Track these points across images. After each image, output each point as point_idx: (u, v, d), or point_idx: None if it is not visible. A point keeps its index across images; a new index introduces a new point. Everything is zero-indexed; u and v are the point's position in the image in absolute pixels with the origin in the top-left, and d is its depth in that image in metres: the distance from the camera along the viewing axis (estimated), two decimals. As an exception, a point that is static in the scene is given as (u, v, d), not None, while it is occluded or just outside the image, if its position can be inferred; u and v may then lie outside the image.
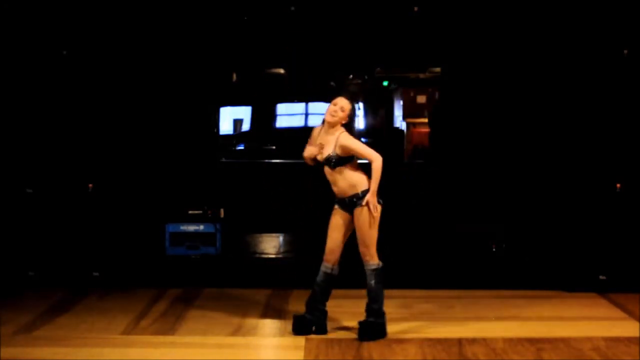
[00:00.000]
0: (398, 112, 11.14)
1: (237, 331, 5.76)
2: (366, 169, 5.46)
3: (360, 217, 5.39)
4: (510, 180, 7.50)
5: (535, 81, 7.38)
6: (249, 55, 8.43)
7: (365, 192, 5.37)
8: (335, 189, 5.49)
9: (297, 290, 6.75)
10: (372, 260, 5.45)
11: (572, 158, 7.26)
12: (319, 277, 5.56)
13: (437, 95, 9.76)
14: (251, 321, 6.03)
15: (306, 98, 11.06)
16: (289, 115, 11.32)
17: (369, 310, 5.49)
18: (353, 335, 5.57)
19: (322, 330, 5.58)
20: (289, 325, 5.88)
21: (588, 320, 6.15)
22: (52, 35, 7.26)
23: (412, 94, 10.62)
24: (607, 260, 7.04)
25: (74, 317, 6.13)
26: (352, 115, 5.49)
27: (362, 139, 6.16)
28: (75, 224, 7.28)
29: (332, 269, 5.52)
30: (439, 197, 7.71)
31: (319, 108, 10.82)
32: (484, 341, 5.47)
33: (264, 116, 11.23)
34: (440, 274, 7.12)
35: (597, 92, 7.18)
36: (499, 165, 7.54)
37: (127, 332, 5.73)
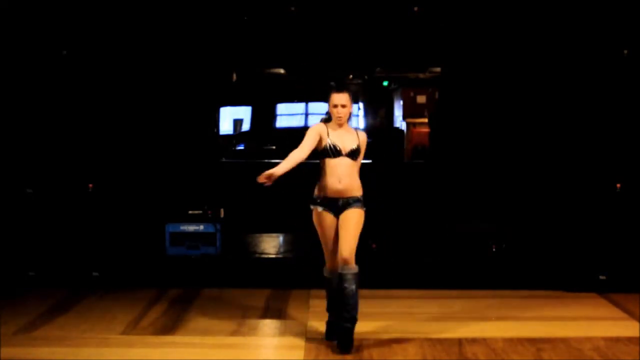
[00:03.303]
0: (398, 112, 11.17)
1: (237, 331, 5.76)
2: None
3: (354, 216, 5.20)
4: (510, 180, 7.51)
5: (536, 81, 7.39)
6: (249, 55, 8.44)
7: (362, 197, 5.27)
8: (339, 185, 5.18)
9: (297, 290, 6.76)
10: (354, 263, 5.19)
11: (572, 158, 7.26)
12: (333, 283, 5.27)
13: (437, 95, 9.78)
14: (251, 321, 6.03)
15: (306, 98, 11.09)
16: (289, 115, 11.35)
17: (350, 318, 5.19)
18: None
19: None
20: (289, 325, 5.89)
21: (588, 320, 6.14)
22: (52, 35, 7.26)
23: (412, 94, 10.65)
24: (607, 260, 7.03)
25: (74, 317, 6.13)
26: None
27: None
28: (75, 224, 7.28)
29: (337, 270, 5.26)
30: (439, 197, 7.72)
31: (319, 108, 10.85)
32: (484, 341, 5.47)
33: (264, 116, 11.26)
34: (440, 274, 7.11)
35: (597, 92, 7.18)
36: (499, 165, 7.54)
37: (127, 332, 5.73)
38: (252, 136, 10.98)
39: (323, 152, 5.23)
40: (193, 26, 7.55)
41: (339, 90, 5.27)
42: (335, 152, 5.21)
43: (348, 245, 5.17)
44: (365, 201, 5.32)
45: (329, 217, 5.25)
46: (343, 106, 5.23)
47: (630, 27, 7.07)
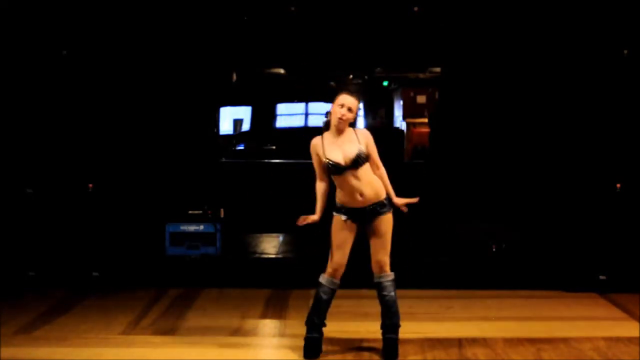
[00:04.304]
0: (398, 112, 11.19)
1: (237, 331, 5.76)
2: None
3: (384, 225, 4.96)
4: (510, 180, 7.51)
5: (536, 81, 7.39)
6: (249, 55, 8.45)
7: (388, 199, 4.99)
8: (361, 198, 4.88)
9: (297, 290, 6.75)
10: (389, 269, 5.05)
11: (573, 158, 7.26)
12: (327, 295, 5.05)
13: (437, 95, 9.79)
14: (251, 321, 6.03)
15: (306, 98, 11.09)
16: (289, 115, 11.35)
17: (392, 326, 5.06)
18: (353, 335, 5.57)
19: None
20: (289, 325, 5.89)
21: (588, 320, 6.14)
22: (52, 35, 7.26)
23: (412, 94, 10.67)
24: (607, 260, 7.03)
25: (74, 317, 6.13)
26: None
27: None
28: (75, 224, 7.28)
29: (338, 284, 5.10)
30: (439, 197, 7.72)
31: (319, 108, 10.86)
32: (484, 341, 5.47)
33: (264, 116, 11.26)
34: (440, 274, 7.11)
35: (597, 92, 7.18)
36: (499, 165, 7.55)
37: (127, 332, 5.73)
38: (252, 136, 10.98)
39: (328, 170, 4.92)
40: (193, 26, 7.55)
41: (351, 93, 4.90)
42: (336, 169, 4.87)
43: (384, 253, 5.00)
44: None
45: (351, 226, 4.98)
46: (349, 109, 4.85)
47: (630, 27, 7.07)
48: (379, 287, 5.07)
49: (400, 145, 10.70)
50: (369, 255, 5.10)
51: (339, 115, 4.87)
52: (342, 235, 4.99)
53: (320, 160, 4.95)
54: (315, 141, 4.96)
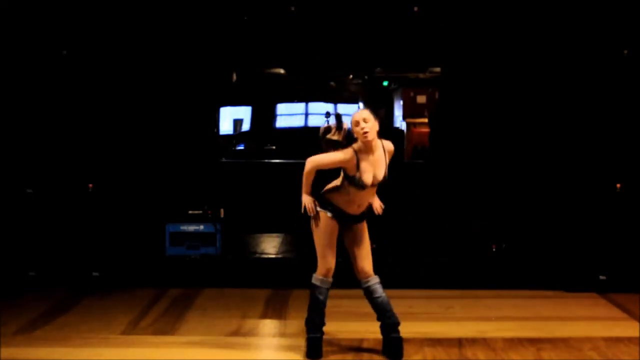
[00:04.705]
0: (398, 112, 11.17)
1: (237, 331, 5.76)
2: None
3: (365, 232, 5.09)
4: (510, 180, 7.51)
5: (536, 81, 7.39)
6: (249, 55, 8.44)
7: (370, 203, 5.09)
8: (357, 210, 5.00)
9: (297, 290, 6.75)
10: (372, 271, 5.11)
11: (572, 158, 7.26)
12: (323, 295, 5.09)
13: (437, 95, 9.78)
14: (251, 321, 6.03)
15: (306, 98, 11.08)
16: (289, 115, 11.34)
17: (393, 325, 5.08)
18: (353, 335, 5.57)
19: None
20: (289, 325, 5.89)
21: (588, 320, 6.14)
22: (52, 35, 7.26)
23: (412, 94, 10.65)
24: (607, 260, 7.03)
25: (74, 317, 6.13)
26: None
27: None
28: (75, 224, 7.29)
29: (331, 282, 5.13)
30: (438, 197, 7.72)
31: (319, 108, 10.86)
32: (484, 341, 5.47)
33: (264, 116, 11.25)
34: (440, 274, 7.11)
35: (597, 92, 7.19)
36: (499, 166, 7.55)
37: (127, 332, 5.73)
38: (252, 136, 10.98)
39: (349, 180, 4.88)
40: (193, 26, 7.55)
41: (358, 111, 4.88)
42: (361, 186, 4.85)
43: (368, 258, 5.07)
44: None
45: (335, 227, 5.01)
46: (364, 120, 4.76)
47: (630, 27, 7.07)
48: (368, 291, 5.09)
49: (400, 145, 10.70)
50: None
51: (362, 132, 4.77)
52: (330, 234, 5.01)
53: (346, 169, 4.85)
54: (350, 156, 4.81)
